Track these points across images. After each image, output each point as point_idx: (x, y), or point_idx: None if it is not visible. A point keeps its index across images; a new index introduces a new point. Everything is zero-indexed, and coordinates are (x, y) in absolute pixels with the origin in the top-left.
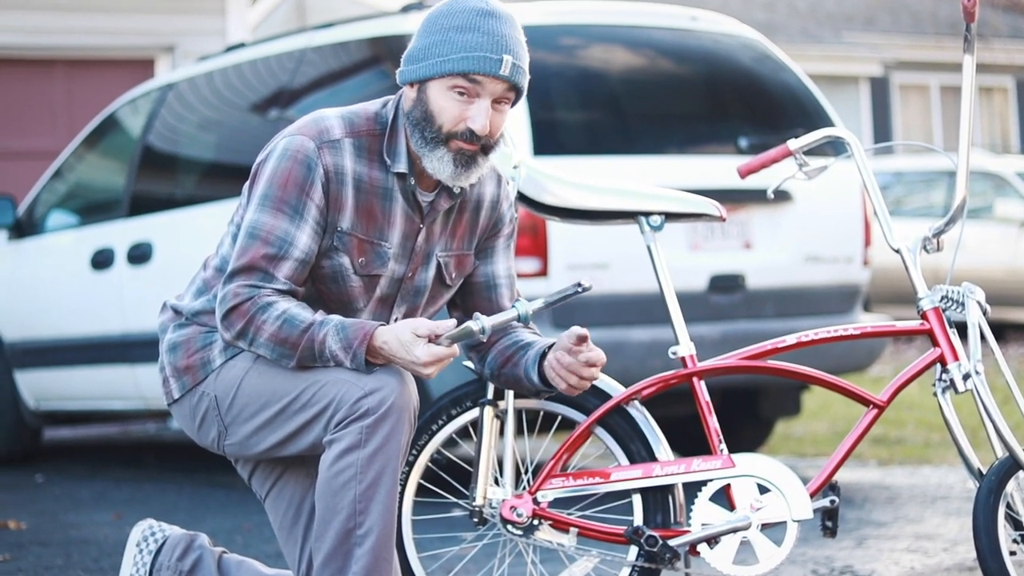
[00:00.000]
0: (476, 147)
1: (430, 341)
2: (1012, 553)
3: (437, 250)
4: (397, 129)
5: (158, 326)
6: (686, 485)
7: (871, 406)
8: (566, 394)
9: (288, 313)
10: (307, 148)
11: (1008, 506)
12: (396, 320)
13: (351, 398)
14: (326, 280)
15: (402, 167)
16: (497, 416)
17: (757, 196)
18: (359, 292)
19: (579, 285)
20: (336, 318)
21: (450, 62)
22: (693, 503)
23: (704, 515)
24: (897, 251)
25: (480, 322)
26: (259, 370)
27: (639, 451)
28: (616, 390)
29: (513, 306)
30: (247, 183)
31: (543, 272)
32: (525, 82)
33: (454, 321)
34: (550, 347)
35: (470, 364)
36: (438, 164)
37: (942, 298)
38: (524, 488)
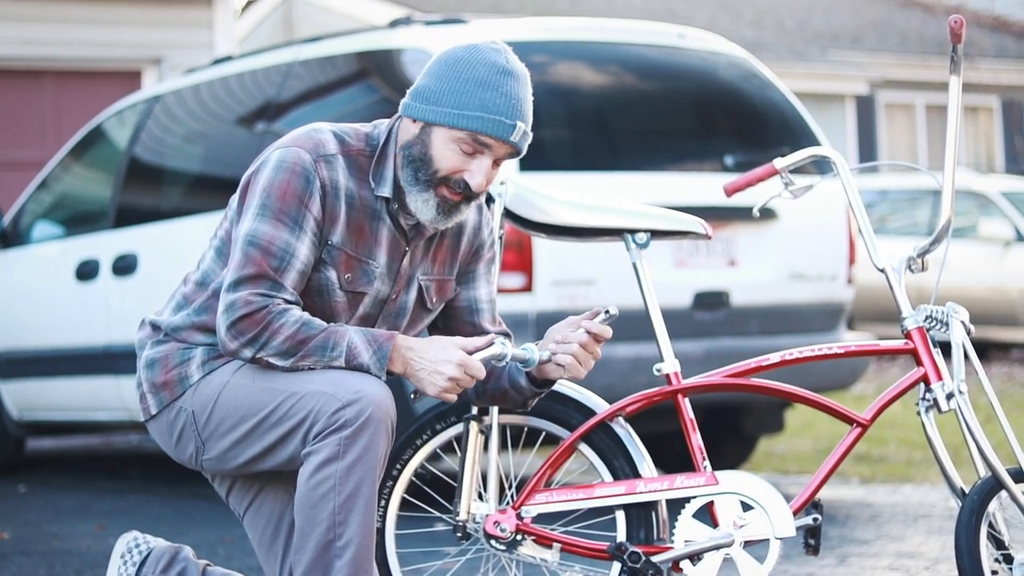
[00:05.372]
0: (460, 197)
1: None
2: (994, 572)
3: (419, 273)
4: (387, 154)
5: (136, 343)
6: (669, 502)
7: (854, 424)
8: (577, 377)
9: (306, 317)
10: (304, 160)
11: (990, 525)
12: None
13: (329, 410)
14: (311, 293)
15: (387, 191)
16: (481, 431)
17: (742, 214)
18: (342, 308)
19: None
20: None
21: (464, 118)
22: (676, 520)
23: (687, 532)
24: (882, 270)
25: (506, 347)
26: (237, 384)
27: (623, 467)
28: (600, 406)
29: (524, 348)
30: (237, 195)
31: (528, 288)
32: (527, 146)
33: (490, 337)
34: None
35: None
36: (422, 205)
37: (926, 318)
38: (508, 503)
